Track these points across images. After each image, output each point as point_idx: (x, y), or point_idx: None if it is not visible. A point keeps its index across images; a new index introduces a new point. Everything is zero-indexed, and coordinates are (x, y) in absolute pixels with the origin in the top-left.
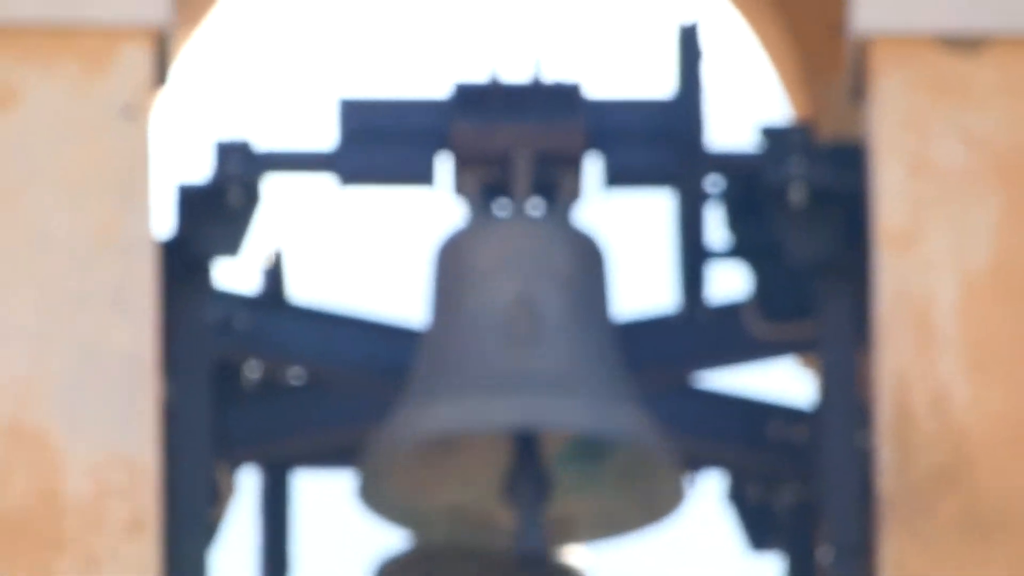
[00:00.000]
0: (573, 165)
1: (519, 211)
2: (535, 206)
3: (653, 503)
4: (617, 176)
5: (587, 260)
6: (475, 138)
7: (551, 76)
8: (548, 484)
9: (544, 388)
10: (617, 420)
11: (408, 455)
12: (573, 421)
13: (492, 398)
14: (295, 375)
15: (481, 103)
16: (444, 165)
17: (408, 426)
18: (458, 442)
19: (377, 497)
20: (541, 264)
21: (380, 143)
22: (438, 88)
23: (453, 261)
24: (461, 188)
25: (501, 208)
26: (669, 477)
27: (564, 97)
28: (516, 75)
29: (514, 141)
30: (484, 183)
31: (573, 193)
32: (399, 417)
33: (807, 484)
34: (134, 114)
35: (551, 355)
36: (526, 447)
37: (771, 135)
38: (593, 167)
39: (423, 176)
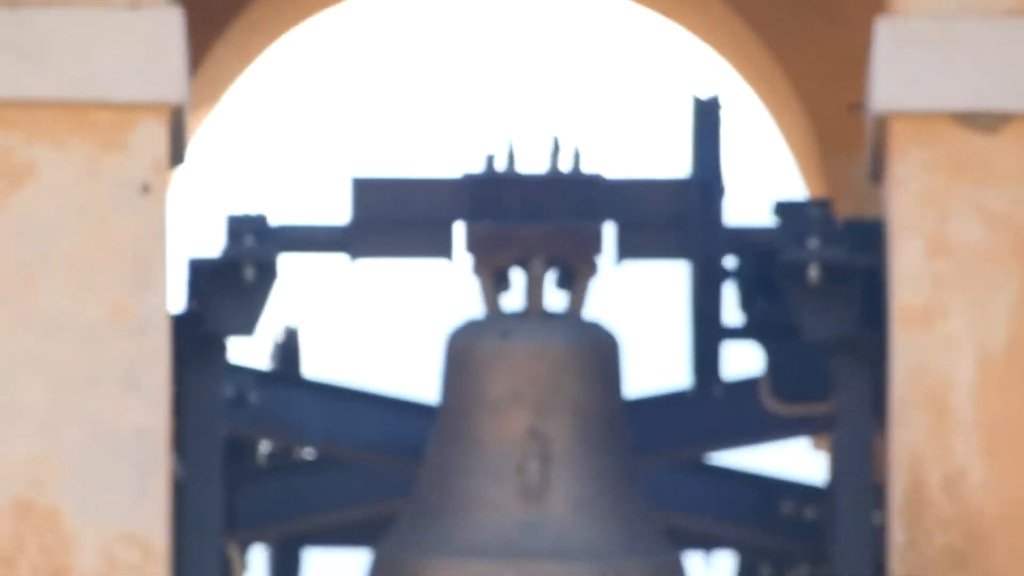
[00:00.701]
0: (590, 255)
1: (531, 313)
2: (550, 288)
3: None
4: (631, 250)
5: (598, 368)
6: (491, 240)
7: (568, 157)
8: None
9: (550, 552)
10: None
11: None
12: None
13: (501, 563)
14: (307, 452)
15: (495, 194)
16: (457, 238)
17: (418, 568)
18: None
19: None
20: (553, 392)
21: (392, 223)
22: (450, 167)
23: (465, 375)
24: (476, 272)
25: (513, 297)
26: None
27: (584, 190)
28: (533, 161)
29: (531, 244)
30: (500, 268)
31: (590, 273)
32: (409, 545)
33: (818, 563)
34: (151, 192)
35: (559, 506)
36: None
37: (788, 211)
38: (609, 238)
39: (439, 250)
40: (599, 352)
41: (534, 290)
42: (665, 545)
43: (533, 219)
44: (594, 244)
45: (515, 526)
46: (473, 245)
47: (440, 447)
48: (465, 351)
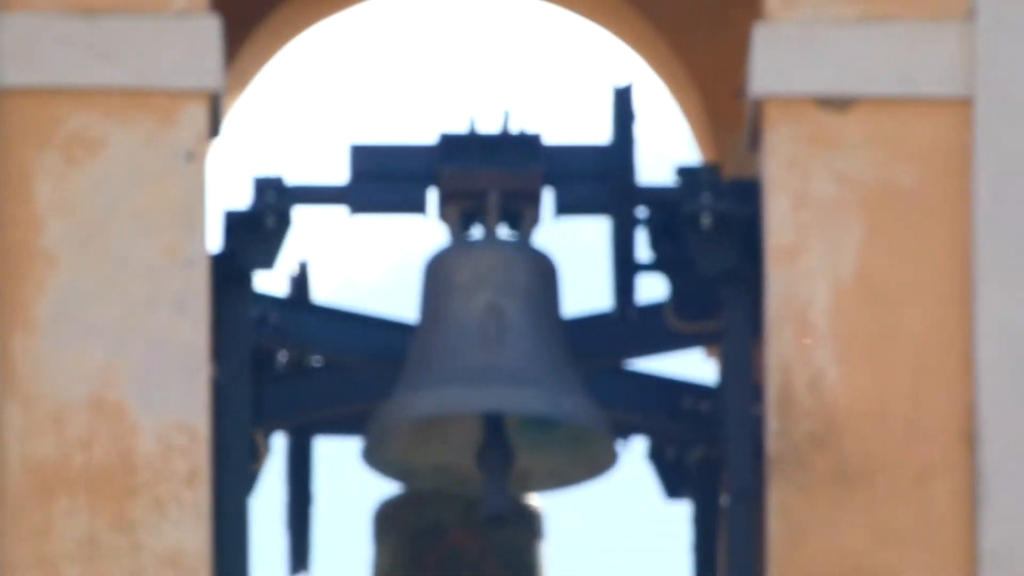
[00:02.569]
0: (534, 200)
1: (490, 235)
2: (502, 231)
3: (592, 463)
4: (566, 207)
5: (543, 276)
6: (457, 179)
7: (517, 124)
8: (512, 457)
9: (508, 380)
10: (566, 406)
11: (402, 428)
12: (531, 407)
13: (468, 388)
14: (316, 360)
15: (461, 149)
16: (432, 198)
17: (403, 408)
18: (441, 420)
19: (378, 458)
20: (507, 280)
21: (382, 181)
22: (428, 133)
23: (438, 276)
24: (444, 217)
25: (476, 233)
26: (604, 444)
27: (527, 145)
28: (489, 123)
29: (488, 182)
30: (463, 213)
31: (533, 220)
32: (396, 399)
33: (712, 446)
34: (193, 159)
35: (514, 354)
36: (494, 427)
37: (686, 173)
38: (548, 199)
39: (417, 206)
40: (543, 264)
41: (491, 216)
42: (597, 406)
43: (490, 165)
44: (536, 183)
45: (480, 366)
46: (444, 185)
47: (418, 329)
48: (439, 260)
